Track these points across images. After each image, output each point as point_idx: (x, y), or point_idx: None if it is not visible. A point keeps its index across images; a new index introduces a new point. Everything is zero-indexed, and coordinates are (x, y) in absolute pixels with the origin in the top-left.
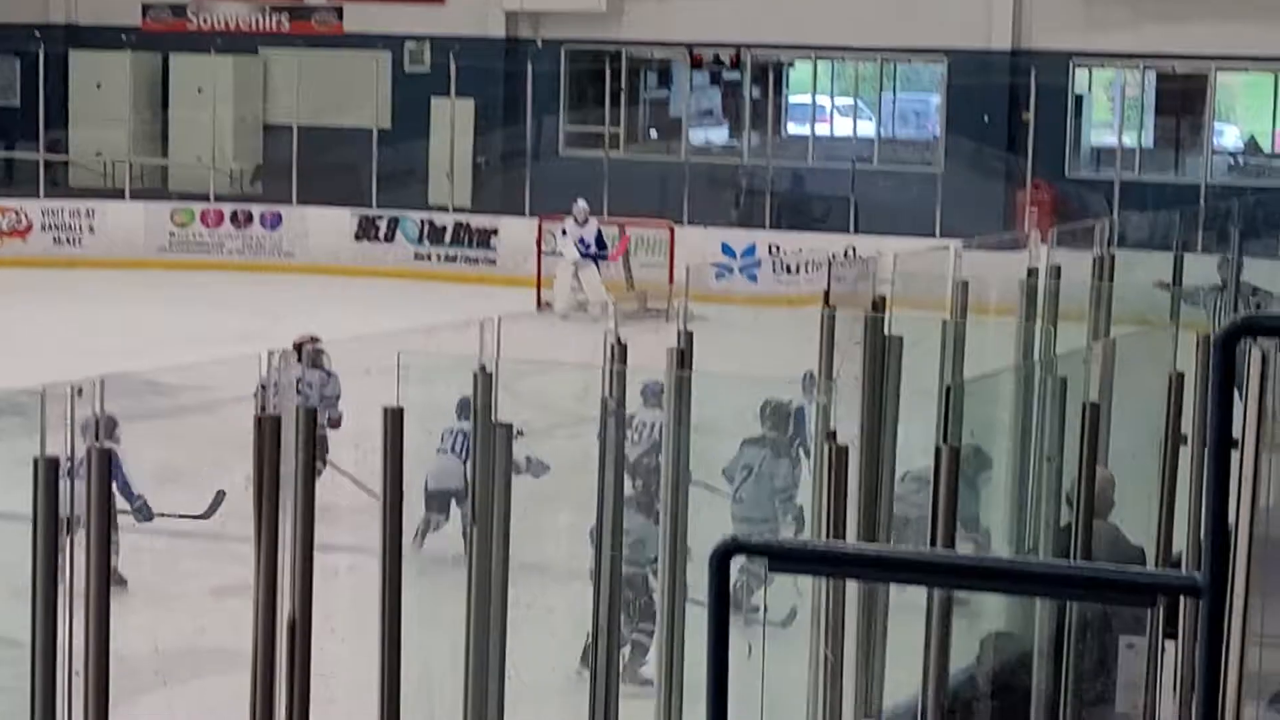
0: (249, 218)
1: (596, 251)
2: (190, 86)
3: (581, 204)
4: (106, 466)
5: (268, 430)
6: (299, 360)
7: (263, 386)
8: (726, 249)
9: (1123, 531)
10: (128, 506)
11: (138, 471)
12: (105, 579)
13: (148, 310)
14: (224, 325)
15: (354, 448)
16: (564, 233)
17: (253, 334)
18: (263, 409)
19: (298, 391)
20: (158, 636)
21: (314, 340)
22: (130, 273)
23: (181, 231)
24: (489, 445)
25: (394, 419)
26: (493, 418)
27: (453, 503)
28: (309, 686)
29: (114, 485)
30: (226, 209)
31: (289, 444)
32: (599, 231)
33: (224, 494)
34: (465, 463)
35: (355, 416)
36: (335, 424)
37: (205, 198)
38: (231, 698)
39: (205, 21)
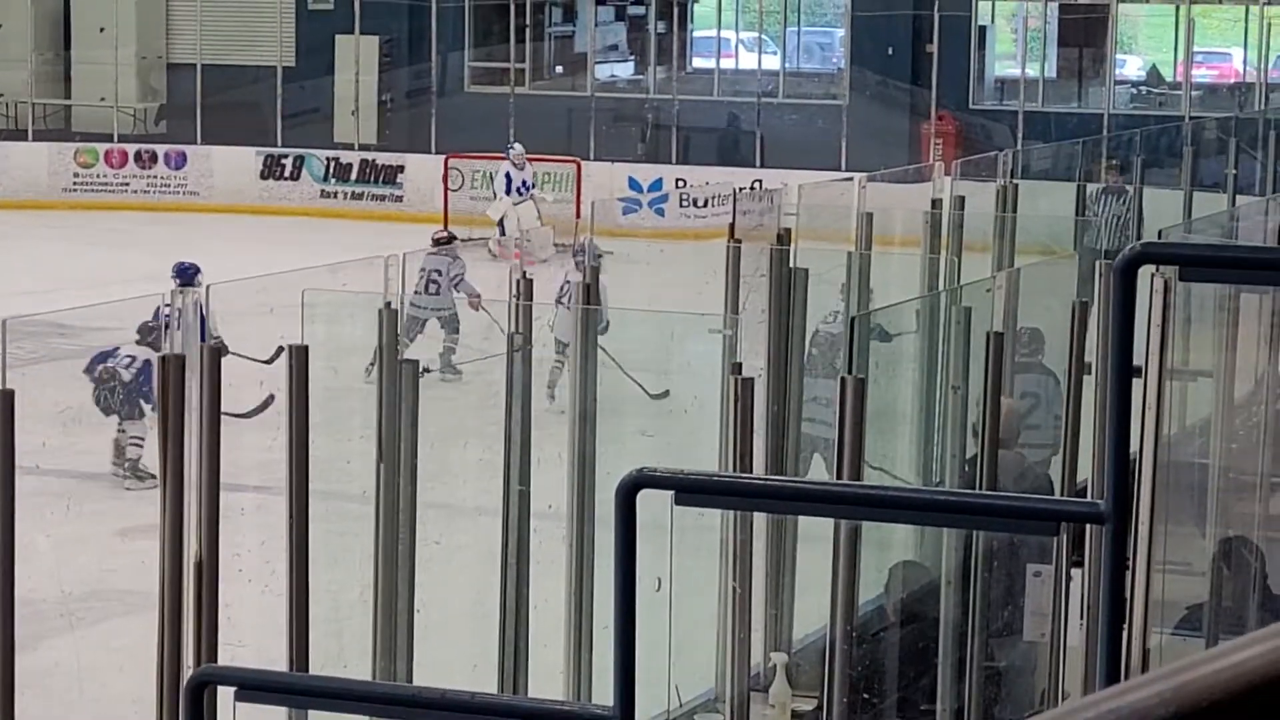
0: (153, 157)
1: (530, 193)
2: (92, 26)
3: (519, 147)
4: (10, 410)
5: (171, 369)
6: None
7: (165, 325)
8: (633, 184)
9: (1030, 461)
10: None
11: (43, 412)
12: (10, 519)
13: (52, 251)
14: (129, 265)
15: (258, 386)
16: (507, 176)
17: (158, 274)
18: (167, 347)
19: (431, 280)
20: (63, 579)
21: (452, 238)
22: (34, 214)
23: (85, 172)
24: (395, 382)
25: (299, 357)
26: (398, 354)
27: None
28: (216, 626)
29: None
30: (130, 149)
31: (193, 382)
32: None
33: (274, 398)
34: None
35: (260, 355)
36: (476, 300)
37: (109, 138)
38: (139, 639)
39: None
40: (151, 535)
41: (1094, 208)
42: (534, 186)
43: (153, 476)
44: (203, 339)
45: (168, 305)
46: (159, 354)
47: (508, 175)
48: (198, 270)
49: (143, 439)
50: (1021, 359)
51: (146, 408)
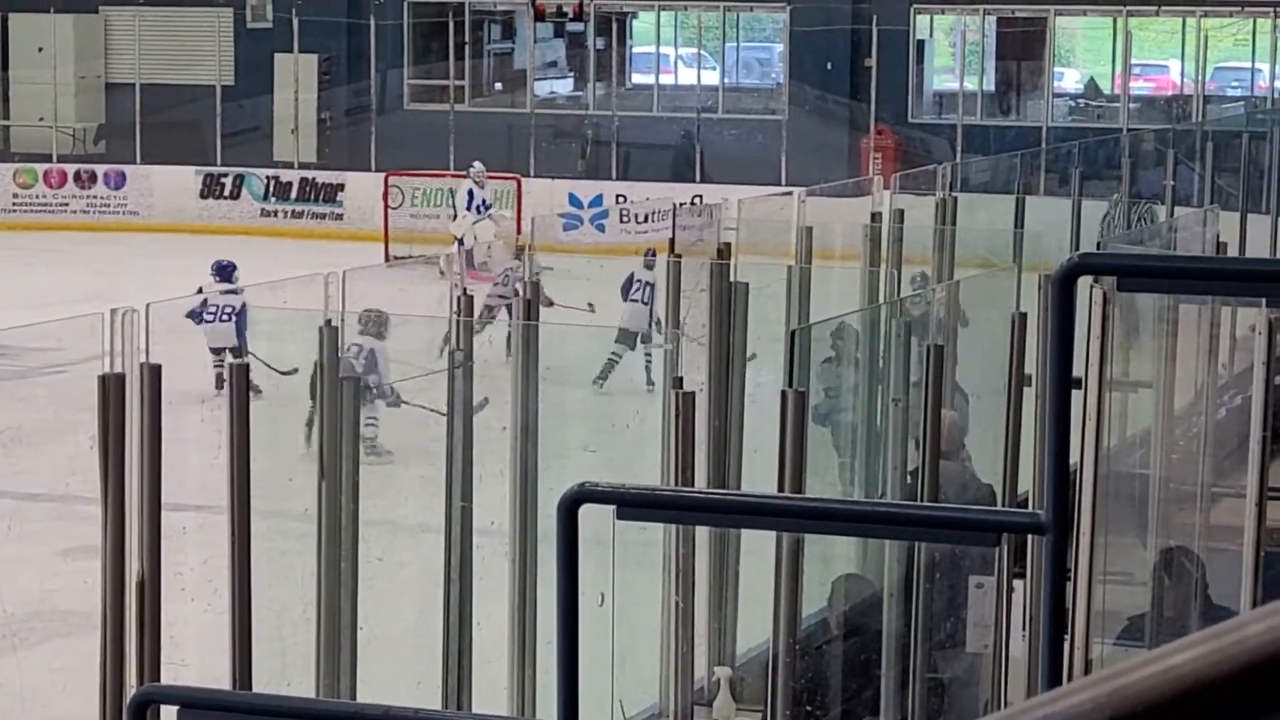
0: (93, 177)
1: (489, 211)
2: (30, 46)
3: (480, 165)
4: None
5: (112, 389)
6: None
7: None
8: (574, 200)
9: (973, 471)
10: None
11: None
12: None
13: None
14: (70, 286)
15: (199, 404)
16: (470, 194)
17: (99, 294)
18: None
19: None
20: (6, 599)
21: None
22: None
23: (25, 193)
24: (336, 399)
25: (240, 375)
26: (339, 371)
27: (637, 339)
28: (160, 646)
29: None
30: (70, 169)
31: (133, 402)
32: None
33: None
34: (649, 308)
35: (203, 373)
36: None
37: (48, 158)
38: (82, 659)
39: None
40: (94, 555)
41: (1113, 212)
42: (492, 205)
43: (390, 453)
44: (240, 338)
45: (207, 304)
46: (235, 358)
47: (470, 193)
48: (234, 267)
49: (377, 419)
50: None
51: (374, 387)
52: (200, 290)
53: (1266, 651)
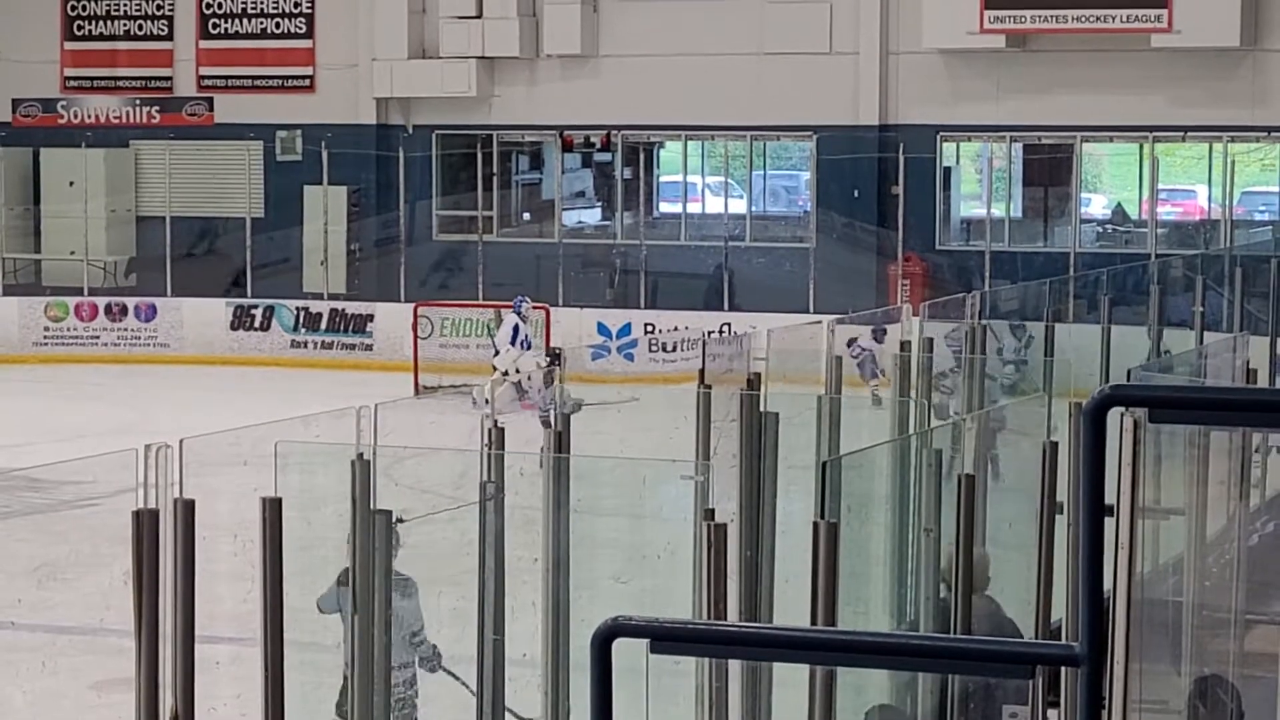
0: (123, 310)
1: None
2: (62, 180)
3: (529, 301)
4: None
5: (145, 524)
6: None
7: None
8: (602, 329)
9: (1001, 608)
10: None
11: (17, 567)
12: None
13: (24, 405)
14: (101, 419)
15: (232, 538)
16: (515, 329)
17: (130, 427)
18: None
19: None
20: None
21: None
22: (5, 368)
23: (56, 326)
24: (368, 532)
25: (272, 509)
26: (371, 505)
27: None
28: None
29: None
30: (101, 302)
31: (167, 537)
32: None
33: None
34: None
35: (233, 507)
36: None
37: (79, 291)
38: None
39: (75, 115)
40: (127, 689)
41: None
42: (533, 338)
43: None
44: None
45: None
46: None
47: (516, 328)
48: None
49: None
50: None
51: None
52: None
53: None
